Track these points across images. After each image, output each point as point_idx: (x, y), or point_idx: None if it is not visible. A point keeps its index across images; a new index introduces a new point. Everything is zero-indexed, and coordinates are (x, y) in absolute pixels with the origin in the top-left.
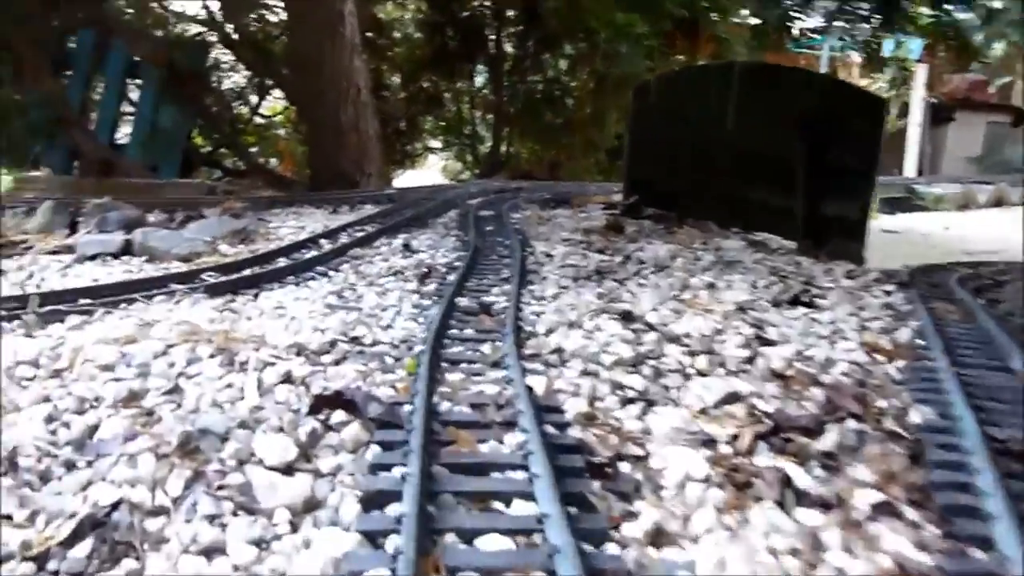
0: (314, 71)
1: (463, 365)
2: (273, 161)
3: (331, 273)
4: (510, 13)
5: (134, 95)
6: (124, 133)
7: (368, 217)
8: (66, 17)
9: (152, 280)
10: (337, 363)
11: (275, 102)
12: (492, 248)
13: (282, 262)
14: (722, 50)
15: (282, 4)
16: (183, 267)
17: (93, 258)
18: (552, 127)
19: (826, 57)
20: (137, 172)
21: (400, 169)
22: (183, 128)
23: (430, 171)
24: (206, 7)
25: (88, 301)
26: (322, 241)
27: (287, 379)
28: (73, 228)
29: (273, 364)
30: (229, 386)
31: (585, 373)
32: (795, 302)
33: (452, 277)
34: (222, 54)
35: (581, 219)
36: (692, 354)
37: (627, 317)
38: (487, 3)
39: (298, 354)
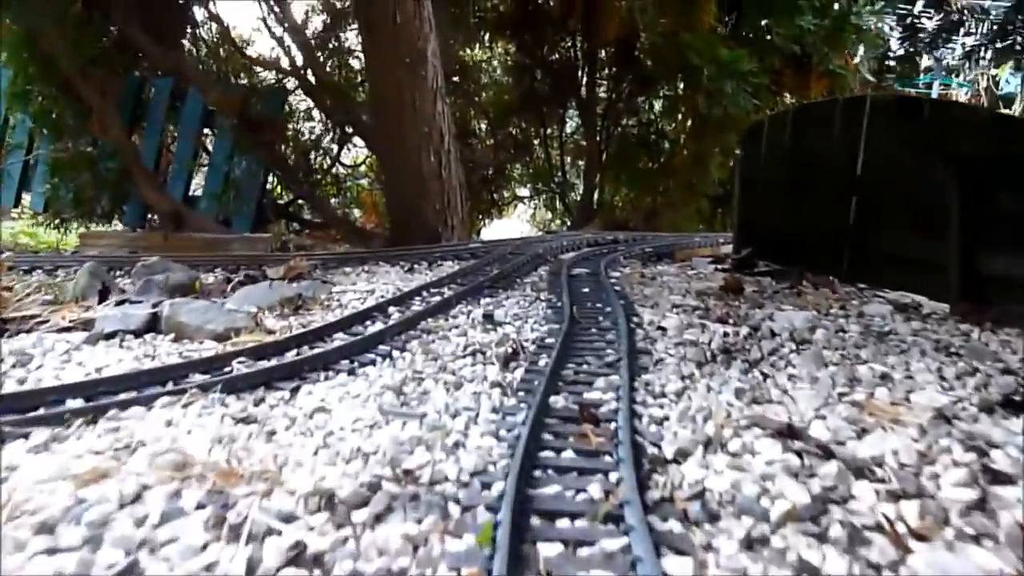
0: (394, 114)
1: (561, 526)
2: (357, 212)
3: (395, 354)
4: (603, 54)
5: (210, 145)
6: (199, 184)
7: (448, 276)
8: (141, 66)
9: (162, 371)
10: (377, 520)
11: (358, 152)
12: (591, 316)
13: (337, 340)
14: (835, 86)
15: (362, 47)
16: (213, 348)
17: (111, 336)
18: (648, 172)
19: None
20: (208, 226)
21: (487, 218)
22: (257, 178)
23: (518, 221)
24: (287, 51)
25: (67, 406)
26: (390, 310)
27: (295, 558)
28: (103, 295)
29: (279, 533)
30: (209, 569)
31: (749, 543)
32: (1013, 406)
33: (543, 361)
34: (301, 100)
35: (690, 277)
36: (894, 497)
37: (788, 433)
38: (578, 44)
39: (322, 506)
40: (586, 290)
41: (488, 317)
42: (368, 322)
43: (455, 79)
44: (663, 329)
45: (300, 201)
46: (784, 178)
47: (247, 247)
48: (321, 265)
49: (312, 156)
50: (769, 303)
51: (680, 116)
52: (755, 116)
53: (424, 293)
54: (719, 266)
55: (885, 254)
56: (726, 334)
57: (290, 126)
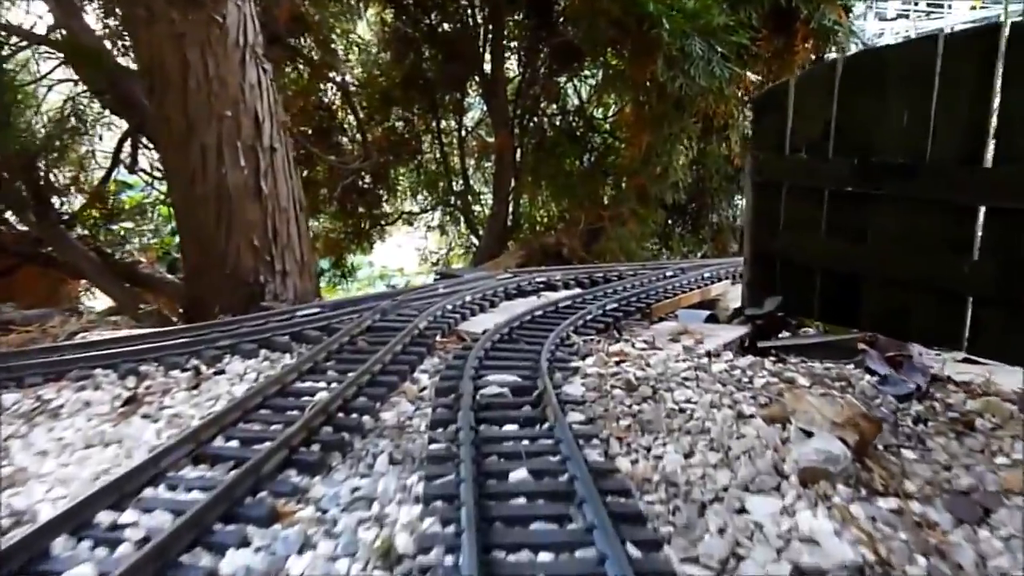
0: (170, 88)
1: None
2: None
3: None
4: (511, 18)
5: None
6: None
7: (201, 427)
8: None
9: None
10: None
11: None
12: None
13: None
14: (825, 48)
15: None
16: None
17: None
18: (581, 176)
19: None
20: None
21: (361, 245)
22: None
23: (407, 245)
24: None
25: None
26: None
27: None
28: None
29: None
30: None
31: None
32: None
33: None
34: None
35: (717, 376)
36: None
37: None
38: (477, 4)
39: None
40: (515, 454)
41: None
42: None
43: (298, 41)
44: None
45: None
46: (835, 177)
47: None
48: None
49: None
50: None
51: (621, 96)
52: (725, 92)
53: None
54: (735, 330)
55: None
56: None
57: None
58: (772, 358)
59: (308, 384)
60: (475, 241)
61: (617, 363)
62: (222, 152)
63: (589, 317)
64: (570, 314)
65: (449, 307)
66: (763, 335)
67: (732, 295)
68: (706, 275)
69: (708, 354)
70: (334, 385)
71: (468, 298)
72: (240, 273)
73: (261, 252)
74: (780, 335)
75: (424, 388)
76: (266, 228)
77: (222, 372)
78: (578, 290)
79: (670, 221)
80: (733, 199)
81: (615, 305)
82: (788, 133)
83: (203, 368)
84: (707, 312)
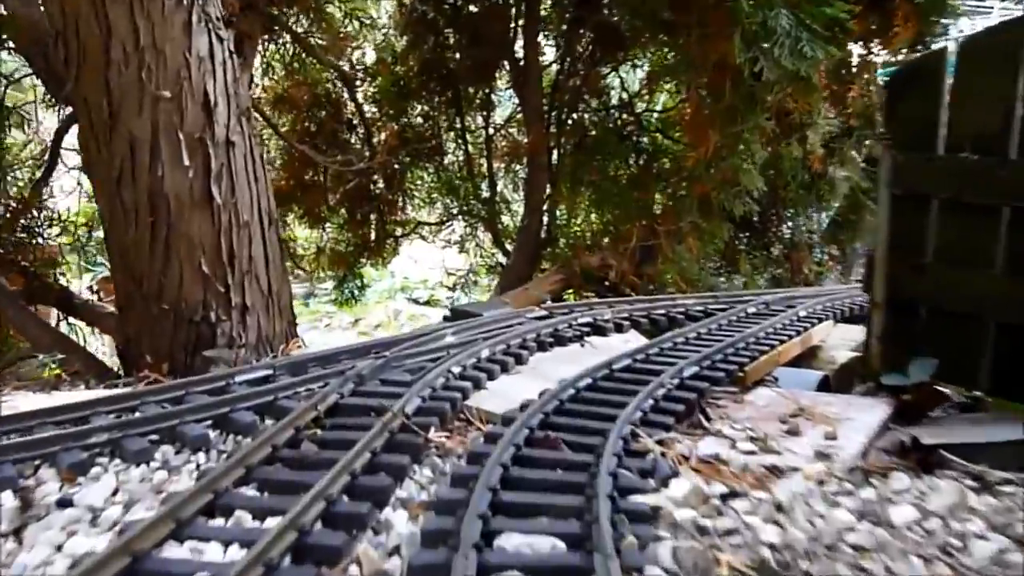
0: (91, 59)
1: None
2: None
3: None
4: None
5: None
6: None
7: None
8: None
9: None
10: None
11: None
12: None
13: None
14: (930, 30)
15: None
16: None
17: None
18: (635, 182)
19: None
20: None
21: (371, 258)
22: None
23: (423, 260)
24: None
25: None
26: None
27: None
28: None
29: None
30: None
31: None
32: None
33: None
34: None
35: (919, 550)
36: None
37: None
38: None
39: None
40: None
41: None
42: None
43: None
44: None
45: None
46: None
47: None
48: None
49: None
50: None
51: (683, 85)
52: (812, 78)
53: None
54: (871, 409)
55: None
56: None
57: None
58: (963, 476)
59: (188, 546)
60: (502, 259)
61: (723, 497)
62: (157, 146)
63: (662, 393)
64: (633, 385)
65: (456, 370)
66: (910, 414)
67: (835, 341)
68: (801, 312)
69: (864, 475)
70: (232, 553)
71: (485, 352)
72: (182, 308)
73: (211, 280)
74: (935, 414)
75: (393, 552)
76: (219, 248)
77: (68, 504)
78: (635, 337)
79: (735, 237)
80: (810, 210)
81: (694, 369)
82: (943, 124)
83: (40, 492)
84: (814, 372)
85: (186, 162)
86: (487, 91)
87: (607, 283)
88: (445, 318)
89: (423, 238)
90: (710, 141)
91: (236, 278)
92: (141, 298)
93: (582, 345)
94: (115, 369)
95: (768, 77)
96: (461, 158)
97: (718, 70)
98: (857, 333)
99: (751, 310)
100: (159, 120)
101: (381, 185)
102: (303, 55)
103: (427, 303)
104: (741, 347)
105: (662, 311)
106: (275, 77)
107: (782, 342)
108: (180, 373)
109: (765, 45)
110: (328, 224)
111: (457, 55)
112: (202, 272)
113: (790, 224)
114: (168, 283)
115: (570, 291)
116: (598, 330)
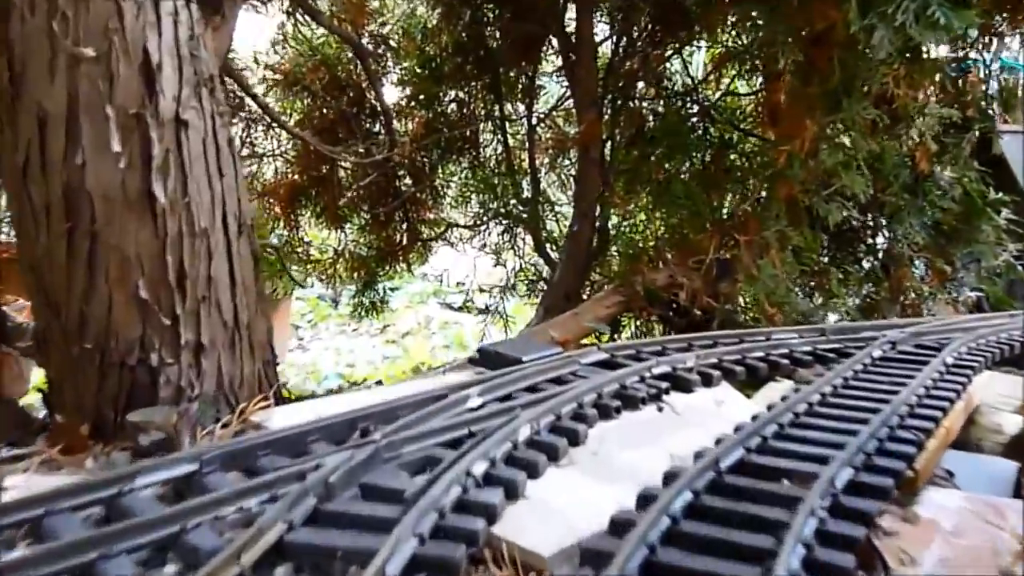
0: None
1: None
2: None
3: None
4: None
5: None
6: None
7: None
8: None
9: None
10: None
11: None
12: None
13: None
14: None
15: None
16: None
17: None
18: (706, 182)
19: None
20: None
21: (396, 264)
22: None
23: (455, 266)
24: None
25: None
26: None
27: None
28: None
29: None
30: None
31: None
32: None
33: None
34: None
35: None
36: None
37: None
38: None
39: None
40: None
41: None
42: None
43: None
44: None
45: None
46: None
47: None
48: None
49: None
50: None
51: (755, 69)
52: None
53: None
54: None
55: None
56: None
57: None
58: None
59: None
60: (546, 270)
61: None
62: (76, 124)
63: (813, 527)
64: (756, 505)
65: (480, 468)
66: None
67: (990, 396)
68: (947, 359)
69: None
70: None
71: (525, 430)
72: (111, 348)
73: (152, 309)
74: None
75: None
76: (163, 265)
77: None
78: (730, 395)
79: (832, 249)
80: (914, 217)
81: (848, 474)
82: None
83: None
84: (1000, 462)
85: (116, 147)
86: (531, 74)
87: (675, 306)
88: (472, 361)
89: (451, 244)
90: (807, 132)
91: (188, 306)
92: (60, 331)
93: (660, 409)
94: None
95: (877, 53)
96: (500, 151)
97: (820, 43)
98: (1014, 384)
99: (876, 353)
100: (78, 88)
101: (408, 182)
102: (314, 28)
103: (462, 308)
104: (896, 423)
105: (759, 353)
106: (283, 57)
107: (943, 410)
108: (108, 435)
109: (886, 10)
110: (348, 225)
111: (497, 32)
112: (139, 298)
113: (886, 233)
114: (92, 313)
115: (629, 315)
116: (679, 383)
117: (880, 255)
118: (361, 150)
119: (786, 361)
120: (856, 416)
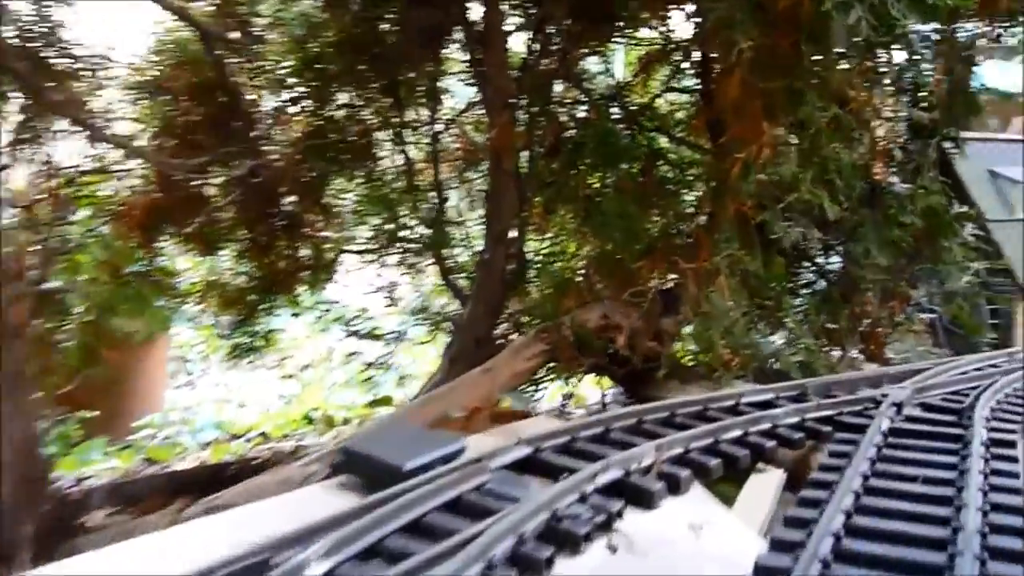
0: None
1: None
2: None
3: None
4: None
5: None
6: None
7: None
8: None
9: None
10: None
11: None
12: None
13: None
14: None
15: None
16: None
17: None
18: (640, 198)
19: None
20: None
21: (279, 297)
22: None
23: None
24: None
25: None
26: None
27: None
28: None
29: None
30: None
31: None
32: None
33: None
34: None
35: None
36: None
37: None
38: None
39: None
40: None
41: None
42: None
43: None
44: None
45: None
46: None
47: None
48: None
49: None
50: None
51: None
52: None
53: None
54: None
55: None
56: None
57: None
58: None
59: None
60: (456, 306)
61: None
62: None
63: None
64: None
65: None
66: None
67: None
68: (982, 431)
69: None
70: None
71: None
72: None
73: None
74: None
75: None
76: None
77: None
78: (706, 508)
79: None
80: (873, 234)
81: None
82: None
83: None
84: None
85: None
86: (433, 73)
87: (615, 356)
88: (335, 468)
89: (327, 277)
90: (765, 135)
91: None
92: None
93: (613, 549)
94: None
95: (851, 38)
96: (401, 163)
97: (784, 25)
98: None
99: (884, 426)
100: None
101: (292, 199)
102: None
103: (369, 336)
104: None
105: (736, 433)
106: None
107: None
108: None
109: None
110: (224, 250)
111: (393, 26)
112: None
113: (840, 252)
114: None
115: (554, 367)
116: (635, 496)
117: (836, 278)
118: (236, 163)
119: (771, 442)
120: (912, 559)
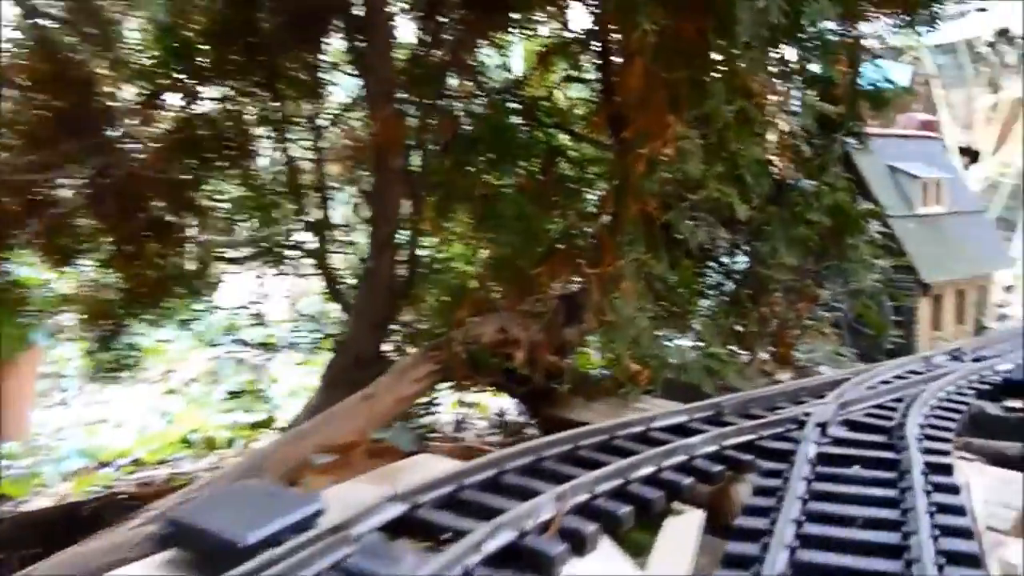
0: None
1: None
2: None
3: None
4: None
5: None
6: None
7: None
8: None
9: None
10: None
11: None
12: None
13: None
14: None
15: None
16: None
17: None
18: (539, 198)
19: None
20: None
21: (147, 309)
22: None
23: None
24: None
25: None
26: None
27: None
28: None
29: None
30: None
31: None
32: None
33: None
34: None
35: None
36: None
37: None
38: None
39: None
40: None
41: None
42: None
43: None
44: None
45: None
46: None
47: None
48: None
49: None
50: None
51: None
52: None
53: None
54: None
55: None
56: None
57: None
58: None
59: None
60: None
61: None
62: None
63: None
64: None
65: None
66: None
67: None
68: (916, 453)
69: None
70: None
71: None
72: None
73: None
74: None
75: None
76: None
77: None
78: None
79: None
80: (780, 232)
81: None
82: None
83: None
84: None
85: None
86: (311, 66)
87: (512, 372)
88: (164, 540)
89: (196, 292)
90: (669, 129)
91: None
92: None
93: None
94: None
95: (758, 26)
96: (280, 162)
97: (690, 10)
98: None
99: (811, 452)
100: None
101: (160, 203)
102: None
103: (263, 346)
104: None
105: (648, 470)
106: None
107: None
108: None
109: None
110: (83, 261)
111: (269, 13)
112: None
113: (747, 252)
114: None
115: (447, 386)
116: (534, 563)
117: (743, 278)
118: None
119: (688, 479)
120: None
